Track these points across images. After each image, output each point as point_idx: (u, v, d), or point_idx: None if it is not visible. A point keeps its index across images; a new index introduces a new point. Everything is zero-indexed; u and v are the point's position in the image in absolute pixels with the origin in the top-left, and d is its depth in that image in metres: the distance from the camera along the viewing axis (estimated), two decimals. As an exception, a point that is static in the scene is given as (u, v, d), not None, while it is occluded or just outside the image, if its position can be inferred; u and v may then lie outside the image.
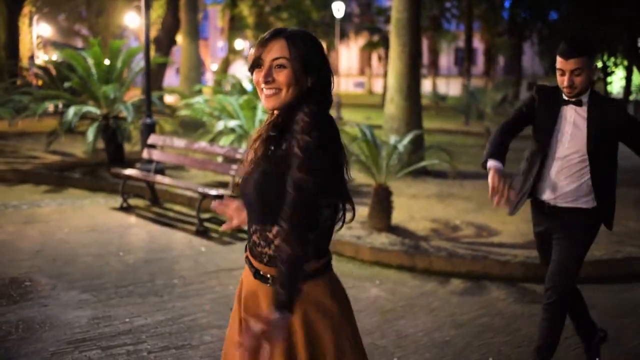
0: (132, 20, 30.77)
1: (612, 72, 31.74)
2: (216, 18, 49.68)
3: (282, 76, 1.68)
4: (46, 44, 33.01)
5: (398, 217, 6.50)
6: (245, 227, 1.87)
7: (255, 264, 1.79)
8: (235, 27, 31.27)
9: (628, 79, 30.28)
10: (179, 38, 24.60)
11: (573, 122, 3.01)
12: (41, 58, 28.77)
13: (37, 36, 32.02)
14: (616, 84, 33.95)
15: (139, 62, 10.08)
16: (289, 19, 29.26)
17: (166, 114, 10.27)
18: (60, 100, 9.39)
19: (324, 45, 37.05)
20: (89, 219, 6.73)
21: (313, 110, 1.67)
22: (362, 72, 53.61)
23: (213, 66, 50.80)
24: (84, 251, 5.54)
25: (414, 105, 9.34)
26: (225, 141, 7.77)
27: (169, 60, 14.42)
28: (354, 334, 1.85)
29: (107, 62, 9.28)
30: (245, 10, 29.08)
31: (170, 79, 37.42)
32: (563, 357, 3.61)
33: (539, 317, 3.26)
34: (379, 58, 41.60)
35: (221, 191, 6.24)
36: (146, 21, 8.00)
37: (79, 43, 35.09)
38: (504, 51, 42.94)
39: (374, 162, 6.05)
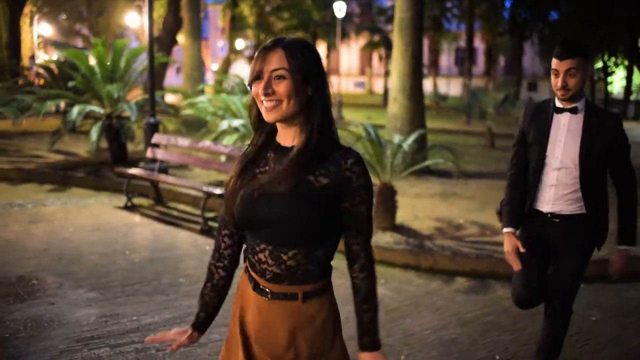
0: (132, 20, 30.82)
1: (613, 72, 31.79)
2: (216, 18, 49.74)
3: (282, 87, 1.64)
4: (46, 43, 33.05)
5: (402, 216, 6.52)
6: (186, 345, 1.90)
7: (255, 277, 1.76)
8: (236, 26, 31.29)
9: (628, 78, 30.31)
10: (180, 38, 24.65)
11: (567, 130, 2.95)
12: (41, 58, 28.80)
13: (38, 36, 32.07)
14: (616, 83, 34.00)
15: (141, 62, 10.11)
16: (290, 19, 29.30)
17: (169, 113, 10.28)
18: (63, 99, 9.40)
19: (325, 45, 37.09)
20: (93, 218, 6.75)
21: (355, 153, 1.71)
22: (362, 72, 53.66)
23: (213, 66, 50.85)
24: (90, 250, 5.56)
25: (417, 104, 9.36)
26: (229, 140, 7.80)
27: (171, 60, 14.43)
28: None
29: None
30: (246, 10, 29.10)
31: (170, 78, 37.45)
32: (568, 355, 3.63)
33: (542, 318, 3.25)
34: (380, 58, 41.67)
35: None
36: (150, 21, 8.01)
37: (79, 43, 35.14)
38: (505, 51, 43.02)
39: (378, 161, 6.08)
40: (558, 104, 2.98)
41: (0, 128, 11.86)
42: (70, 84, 9.16)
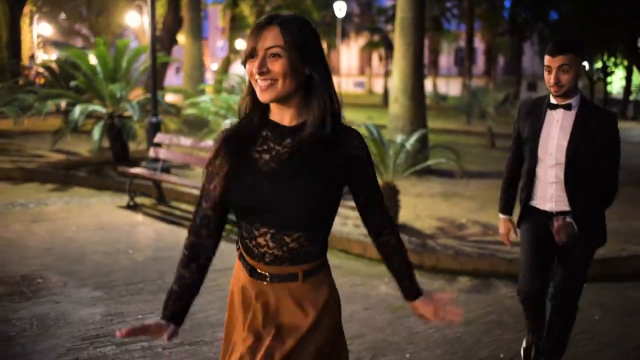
0: (132, 19, 30.81)
1: (612, 72, 31.84)
2: (216, 18, 49.74)
3: (277, 66, 1.58)
4: (46, 43, 33.05)
5: (404, 215, 6.54)
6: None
7: (252, 262, 1.73)
8: (236, 26, 31.30)
9: (628, 78, 30.36)
10: (180, 37, 24.65)
11: (561, 126, 2.96)
12: (41, 57, 28.80)
13: (38, 35, 32.07)
14: (616, 84, 34.04)
15: (142, 62, 10.12)
16: (290, 19, 29.18)
17: (171, 113, 10.30)
18: (65, 99, 9.41)
19: (325, 45, 37.10)
20: (96, 218, 6.77)
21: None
22: (362, 72, 53.69)
23: (213, 66, 50.85)
24: (93, 249, 5.57)
25: (418, 104, 9.38)
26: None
27: (173, 59, 14.45)
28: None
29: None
30: (246, 9, 29.12)
31: (170, 78, 37.42)
32: (571, 354, 3.64)
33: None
34: (380, 58, 41.66)
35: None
36: (152, 20, 8.03)
37: (79, 42, 35.13)
38: (504, 51, 43.06)
39: (381, 161, 6.09)
40: (552, 100, 3.00)
41: (2, 127, 11.87)
42: (72, 83, 9.17)
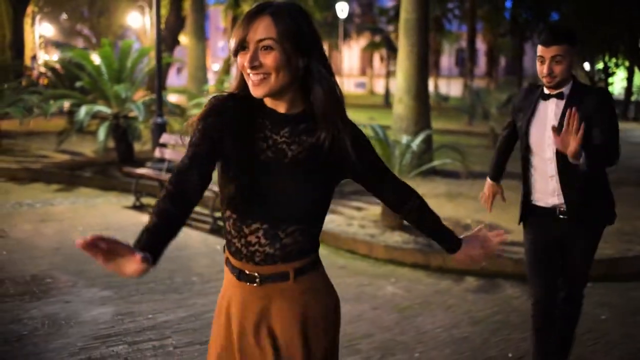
0: (134, 20, 30.88)
1: (613, 73, 31.86)
2: (217, 18, 49.77)
3: (270, 59, 1.47)
4: (47, 43, 33.08)
5: (409, 216, 6.56)
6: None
7: (240, 264, 1.63)
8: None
9: (629, 79, 30.37)
10: (181, 38, 24.68)
11: (554, 117, 2.87)
12: (42, 58, 28.84)
13: (40, 36, 32.12)
14: (617, 84, 34.06)
15: (146, 63, 10.16)
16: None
17: (175, 113, 10.34)
18: (70, 99, 9.45)
19: (327, 46, 37.15)
20: (102, 218, 6.80)
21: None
22: (363, 72, 53.72)
23: (214, 66, 50.87)
24: (101, 249, 5.59)
25: (422, 105, 9.41)
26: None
27: (176, 60, 14.49)
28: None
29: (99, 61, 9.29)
30: (247, 10, 29.10)
31: (171, 79, 37.48)
32: (579, 354, 3.67)
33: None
34: (381, 58, 41.70)
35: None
36: (157, 20, 8.06)
37: (80, 43, 35.18)
38: (505, 52, 43.09)
39: (387, 161, 6.12)
40: (545, 90, 2.92)
41: (6, 128, 11.89)
42: (78, 84, 9.22)
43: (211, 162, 1.54)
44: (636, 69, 29.76)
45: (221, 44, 56.49)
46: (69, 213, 6.96)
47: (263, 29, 1.47)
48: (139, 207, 7.29)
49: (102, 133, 8.52)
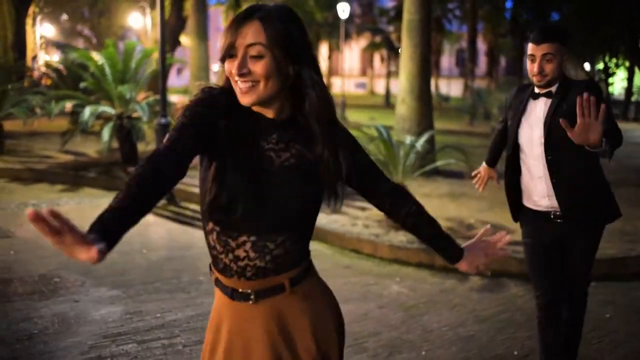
0: (135, 20, 30.91)
1: (614, 73, 31.90)
2: (217, 19, 49.80)
3: (259, 67, 1.40)
4: (48, 44, 33.12)
5: (413, 215, 6.60)
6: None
7: (232, 282, 1.54)
8: (238, 27, 31.27)
9: (630, 79, 30.43)
10: (182, 38, 24.70)
11: (543, 116, 2.82)
12: (43, 58, 28.88)
13: (41, 36, 32.15)
14: (617, 85, 34.10)
15: (149, 64, 10.18)
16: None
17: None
18: (75, 100, 9.47)
19: (327, 46, 37.18)
20: (108, 218, 6.82)
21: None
22: (363, 72, 53.77)
23: (214, 67, 50.87)
24: (107, 249, 5.63)
25: (425, 105, 9.46)
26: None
27: (178, 60, 14.52)
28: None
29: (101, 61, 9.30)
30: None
31: (172, 79, 37.51)
32: (585, 353, 3.70)
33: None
34: (381, 59, 41.74)
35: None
36: (162, 20, 8.08)
37: (81, 43, 35.22)
38: (506, 52, 43.13)
39: (391, 161, 6.16)
40: (535, 89, 2.88)
41: (9, 128, 11.91)
42: (82, 84, 9.25)
43: (192, 154, 1.42)
44: (636, 69, 29.80)
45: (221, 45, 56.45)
46: (75, 213, 6.99)
47: (252, 35, 1.40)
48: (143, 207, 7.32)
49: (106, 134, 8.55)
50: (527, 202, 3.01)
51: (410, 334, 3.96)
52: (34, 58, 26.67)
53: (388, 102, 32.69)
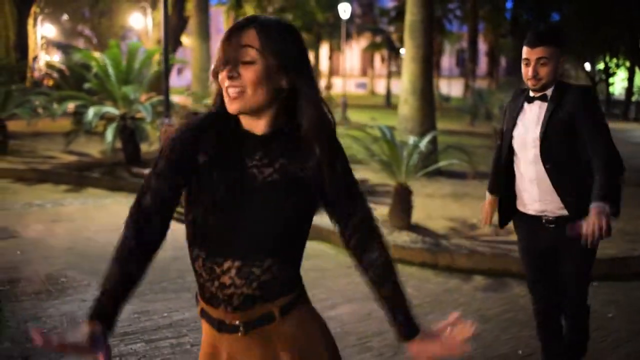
0: (136, 21, 30.97)
1: (614, 73, 31.97)
2: (217, 19, 49.84)
3: (249, 72, 1.36)
4: (48, 44, 33.18)
5: (416, 216, 6.64)
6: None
7: (219, 313, 1.47)
8: (239, 28, 31.33)
9: (630, 79, 30.49)
10: (183, 39, 24.75)
11: (537, 119, 2.79)
12: (43, 59, 28.94)
13: (42, 37, 32.20)
14: (618, 85, 34.16)
15: (151, 65, 10.23)
16: (294, 20, 29.40)
17: (181, 114, 10.42)
18: (78, 100, 9.52)
19: (328, 46, 37.26)
20: (113, 218, 6.86)
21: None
22: (364, 72, 53.83)
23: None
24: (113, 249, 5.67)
25: (427, 106, 9.51)
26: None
27: (179, 61, 14.57)
28: None
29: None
30: (250, 11, 29.25)
31: (172, 80, 37.60)
32: (589, 352, 3.73)
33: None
34: (382, 59, 41.78)
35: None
36: (165, 20, 8.13)
37: (81, 44, 35.29)
38: (506, 52, 43.18)
39: (394, 161, 6.20)
40: (530, 93, 2.84)
41: (12, 129, 11.96)
42: (86, 85, 9.29)
43: (173, 203, 1.46)
44: (637, 69, 29.85)
45: (222, 45, 56.58)
46: (80, 213, 7.04)
47: (246, 39, 1.37)
48: (148, 208, 7.36)
49: (110, 134, 8.59)
50: (520, 206, 2.97)
51: (416, 333, 3.99)
52: (35, 58, 26.73)
53: (389, 102, 32.75)
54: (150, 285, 4.71)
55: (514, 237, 6.21)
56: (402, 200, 6.19)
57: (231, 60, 1.37)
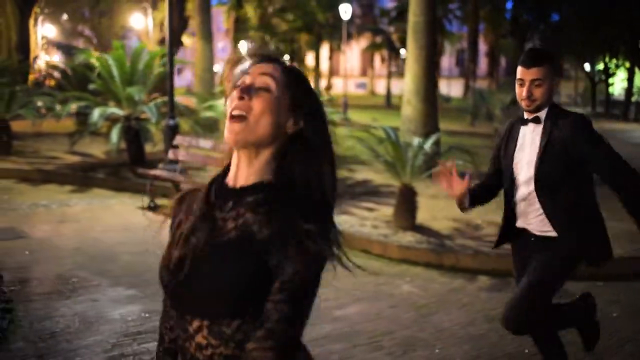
0: (137, 21, 31.00)
1: (614, 74, 32.03)
2: (218, 19, 49.82)
3: (260, 99, 1.30)
4: (49, 44, 33.20)
5: (421, 216, 6.70)
6: None
7: None
8: (239, 28, 31.47)
9: (630, 80, 30.54)
10: (184, 39, 24.80)
11: (532, 141, 2.79)
12: (43, 59, 28.95)
13: (42, 37, 32.21)
14: (617, 85, 34.22)
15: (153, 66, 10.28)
16: (294, 21, 29.46)
17: (185, 114, 10.46)
18: (82, 101, 9.57)
19: (328, 46, 37.29)
20: (119, 218, 6.92)
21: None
22: (364, 73, 53.87)
23: (214, 67, 51.02)
24: (121, 249, 5.73)
25: (430, 107, 9.56)
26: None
27: (181, 61, 14.63)
28: None
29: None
30: (250, 11, 29.28)
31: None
32: (594, 351, 3.79)
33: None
34: (382, 59, 41.82)
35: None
36: (170, 21, 8.18)
37: (81, 44, 35.30)
38: (506, 52, 43.25)
39: (399, 162, 6.26)
40: (524, 115, 2.84)
41: (16, 129, 12.00)
42: (91, 86, 9.34)
43: None
44: (636, 70, 29.92)
45: (221, 45, 56.54)
46: (86, 213, 7.09)
47: (266, 68, 1.33)
48: (153, 208, 7.42)
49: (114, 135, 8.64)
50: (519, 225, 2.96)
51: (423, 333, 4.05)
52: (35, 59, 26.75)
53: (389, 102, 32.80)
54: (159, 285, 4.76)
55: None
56: (407, 200, 6.24)
57: (247, 84, 1.32)
